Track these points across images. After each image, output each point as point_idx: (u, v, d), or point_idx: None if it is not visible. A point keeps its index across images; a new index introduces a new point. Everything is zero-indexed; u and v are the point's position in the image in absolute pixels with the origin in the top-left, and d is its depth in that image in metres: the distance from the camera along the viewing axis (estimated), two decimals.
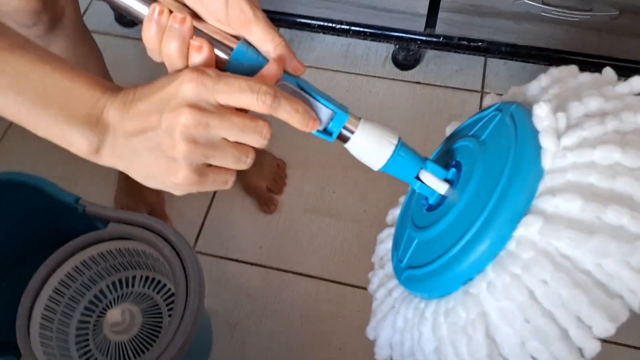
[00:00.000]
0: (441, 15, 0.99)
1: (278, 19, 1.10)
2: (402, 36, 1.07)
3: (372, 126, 0.39)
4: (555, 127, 0.36)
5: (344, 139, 0.40)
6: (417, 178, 0.41)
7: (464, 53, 1.07)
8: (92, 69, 0.86)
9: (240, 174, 1.12)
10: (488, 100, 0.48)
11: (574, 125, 0.36)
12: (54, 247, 0.77)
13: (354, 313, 0.95)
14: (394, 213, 0.53)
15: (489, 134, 0.41)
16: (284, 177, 1.08)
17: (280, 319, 0.95)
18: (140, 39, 1.18)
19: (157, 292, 0.86)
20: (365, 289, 0.97)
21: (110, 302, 0.86)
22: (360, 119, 0.39)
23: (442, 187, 0.40)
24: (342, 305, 0.96)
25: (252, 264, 1.01)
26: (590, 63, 1.01)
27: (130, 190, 1.04)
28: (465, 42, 1.03)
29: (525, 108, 0.39)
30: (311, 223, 1.04)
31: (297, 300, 0.97)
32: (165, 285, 0.86)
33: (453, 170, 0.42)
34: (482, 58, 1.21)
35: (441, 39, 1.05)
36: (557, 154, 0.35)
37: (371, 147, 0.39)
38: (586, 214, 0.33)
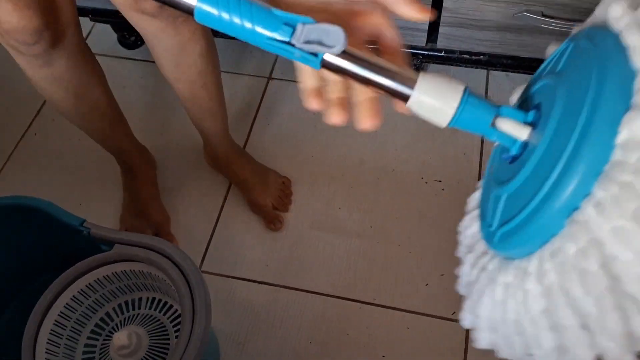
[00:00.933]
0: (442, 29, 0.99)
1: None
2: None
3: (434, 78, 0.35)
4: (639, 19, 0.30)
5: (404, 98, 0.35)
6: (493, 127, 0.36)
7: (466, 66, 1.07)
8: (95, 89, 0.86)
9: (245, 191, 1.12)
10: (550, 48, 0.42)
11: None
12: (59, 270, 0.77)
13: (362, 330, 0.94)
14: (474, 197, 0.46)
15: (565, 62, 0.36)
16: (289, 195, 1.08)
17: (288, 337, 0.95)
18: (142, 60, 1.19)
19: (164, 314, 0.85)
20: (373, 304, 0.97)
21: (116, 325, 0.86)
22: (419, 74, 0.35)
23: (523, 132, 0.35)
24: (350, 322, 0.95)
25: (259, 282, 1.00)
26: None
27: (135, 210, 1.04)
28: (466, 56, 1.04)
29: (601, 25, 0.34)
30: (317, 240, 1.04)
31: (305, 317, 0.96)
32: (171, 306, 0.86)
33: (533, 112, 0.36)
34: (484, 71, 1.21)
35: (443, 53, 1.05)
36: None
37: (435, 101, 0.35)
38: None
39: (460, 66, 1.08)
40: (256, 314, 0.97)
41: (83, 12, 1.17)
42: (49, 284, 0.76)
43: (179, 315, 0.84)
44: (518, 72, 1.06)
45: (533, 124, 0.35)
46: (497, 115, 0.35)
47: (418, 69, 1.18)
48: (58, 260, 0.82)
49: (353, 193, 1.08)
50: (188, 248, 1.03)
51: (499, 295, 0.34)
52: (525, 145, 0.35)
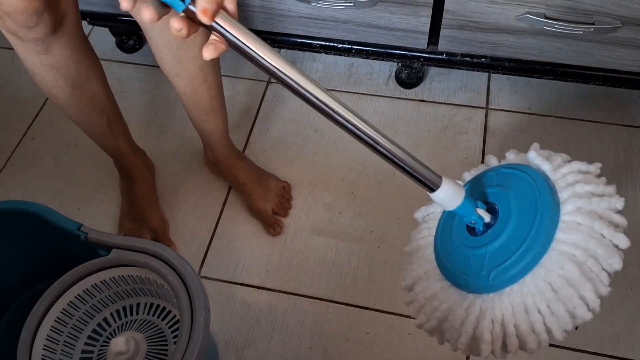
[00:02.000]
0: (443, 32, 0.99)
1: (279, 41, 1.10)
2: (404, 54, 1.06)
3: (452, 184, 0.56)
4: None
5: (431, 189, 0.56)
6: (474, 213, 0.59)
7: (467, 69, 1.07)
8: (93, 81, 0.85)
9: (245, 195, 1.11)
10: (482, 167, 0.68)
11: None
12: (57, 276, 0.76)
13: (363, 335, 0.93)
14: (419, 272, 0.68)
15: (505, 181, 0.61)
16: (289, 199, 1.07)
17: (288, 343, 0.93)
18: (141, 64, 1.19)
19: (162, 319, 0.84)
20: (374, 310, 0.95)
21: (114, 331, 0.85)
22: (442, 178, 0.55)
23: (488, 216, 0.59)
24: (350, 327, 0.94)
25: (258, 287, 0.99)
26: (595, 76, 1.00)
27: (134, 215, 1.03)
28: (468, 59, 1.03)
29: (523, 163, 0.62)
30: (317, 245, 1.03)
31: (305, 323, 0.95)
32: (170, 312, 0.85)
33: (490, 205, 0.61)
34: (486, 74, 1.21)
35: (444, 55, 1.04)
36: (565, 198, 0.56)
37: (450, 198, 0.56)
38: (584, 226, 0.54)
39: (461, 69, 1.08)
40: (256, 319, 0.96)
41: (81, 15, 1.17)
42: (47, 289, 0.75)
43: (178, 321, 0.83)
44: (520, 75, 1.05)
45: (491, 211, 0.60)
46: (477, 207, 0.58)
47: (419, 72, 1.17)
48: (56, 266, 0.81)
49: (353, 198, 1.07)
50: (187, 253, 1.03)
51: (498, 315, 0.56)
52: (487, 224, 0.59)
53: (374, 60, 1.23)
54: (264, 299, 0.98)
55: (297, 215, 1.06)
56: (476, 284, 0.59)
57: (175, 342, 0.80)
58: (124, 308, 0.86)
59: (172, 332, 0.83)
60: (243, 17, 1.06)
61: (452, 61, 1.04)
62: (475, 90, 1.19)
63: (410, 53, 1.06)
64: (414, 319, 0.65)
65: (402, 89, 1.21)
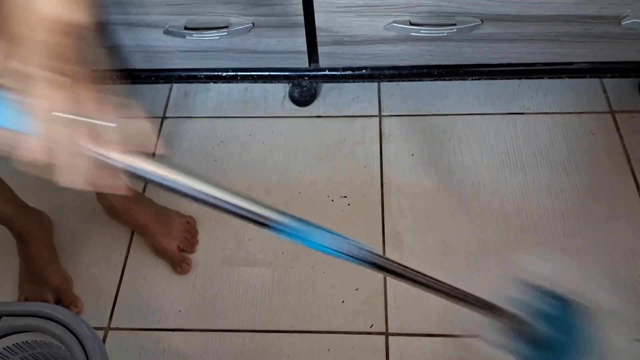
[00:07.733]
0: (321, 49, 1.01)
1: (164, 77, 1.09)
2: (289, 75, 1.08)
3: None
4: None
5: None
6: None
7: (352, 82, 1.09)
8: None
9: (148, 236, 1.07)
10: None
11: None
12: None
13: (283, 359, 0.93)
14: None
15: None
16: (195, 234, 1.05)
17: None
18: None
19: None
20: (292, 332, 0.95)
21: None
22: None
23: None
24: (270, 354, 0.93)
25: (173, 330, 0.97)
26: (470, 72, 1.05)
27: (33, 277, 0.99)
28: (350, 72, 1.05)
29: None
30: (229, 275, 1.01)
31: (225, 358, 0.93)
32: None
33: None
34: (376, 84, 1.24)
35: (327, 71, 1.06)
36: None
37: None
38: None
39: (347, 82, 1.10)
40: None
41: None
42: None
43: None
44: (402, 81, 1.09)
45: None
46: None
47: (310, 89, 1.19)
48: None
49: None
50: (94, 306, 0.99)
51: None
52: None
53: (268, 84, 1.24)
54: (180, 341, 0.95)
55: (205, 249, 1.05)
56: None
57: None
58: None
59: None
60: (121, 58, 1.05)
61: (336, 76, 1.06)
62: (368, 100, 1.22)
63: (294, 73, 1.07)
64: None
65: (297, 107, 1.22)
